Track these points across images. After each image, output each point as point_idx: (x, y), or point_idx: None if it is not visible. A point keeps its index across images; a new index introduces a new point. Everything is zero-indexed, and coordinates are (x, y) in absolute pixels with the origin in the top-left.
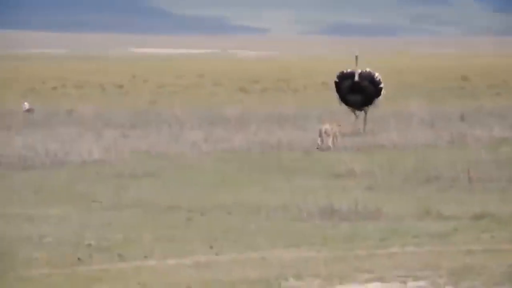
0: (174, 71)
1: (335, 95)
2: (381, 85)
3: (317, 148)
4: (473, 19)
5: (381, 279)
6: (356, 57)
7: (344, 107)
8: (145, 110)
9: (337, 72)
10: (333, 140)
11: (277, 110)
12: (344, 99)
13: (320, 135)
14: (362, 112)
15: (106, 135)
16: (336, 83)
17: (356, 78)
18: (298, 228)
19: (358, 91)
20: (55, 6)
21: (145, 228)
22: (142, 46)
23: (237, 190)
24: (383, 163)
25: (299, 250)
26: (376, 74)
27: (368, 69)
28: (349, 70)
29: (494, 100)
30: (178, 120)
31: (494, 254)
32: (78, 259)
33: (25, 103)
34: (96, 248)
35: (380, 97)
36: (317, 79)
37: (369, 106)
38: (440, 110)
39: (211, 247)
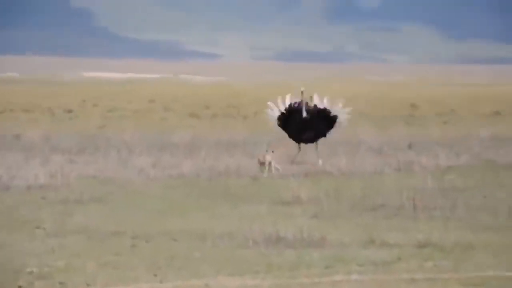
0: (125, 96)
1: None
2: (339, 117)
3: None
4: (422, 47)
5: None
6: (302, 92)
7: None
8: (94, 135)
9: (281, 106)
10: (269, 167)
11: (227, 137)
12: (292, 135)
13: (260, 164)
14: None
15: (54, 160)
16: (282, 114)
17: (304, 114)
18: (243, 256)
19: (308, 128)
20: (5, 28)
21: (89, 255)
22: (92, 69)
23: (183, 216)
24: (330, 191)
25: (243, 278)
26: (330, 107)
27: (315, 101)
28: (296, 104)
29: (441, 128)
30: (127, 146)
31: (436, 283)
32: (19, 286)
33: None
34: (38, 275)
35: (335, 128)
36: (267, 106)
37: (320, 138)
38: (388, 137)
39: (155, 275)
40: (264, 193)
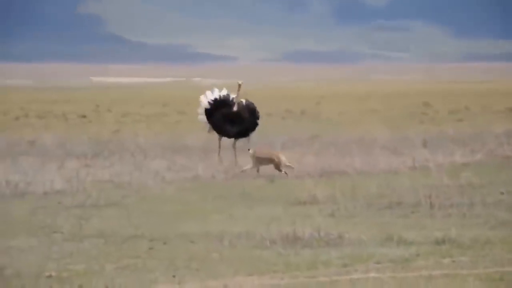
0: (138, 100)
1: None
2: (258, 119)
3: (242, 171)
4: (434, 45)
5: None
6: (239, 85)
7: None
8: (108, 139)
9: (208, 98)
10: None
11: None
12: (218, 128)
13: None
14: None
15: (69, 165)
16: (207, 110)
17: (235, 108)
18: (261, 256)
19: (236, 122)
20: (16, 37)
21: (107, 258)
22: (103, 75)
23: (200, 218)
24: (346, 190)
25: (262, 278)
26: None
27: (245, 100)
28: (223, 96)
29: (456, 126)
30: (141, 149)
31: (455, 279)
32: None
33: None
34: (57, 279)
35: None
36: (281, 106)
37: (244, 137)
38: (402, 136)
39: (173, 276)
40: (280, 193)
